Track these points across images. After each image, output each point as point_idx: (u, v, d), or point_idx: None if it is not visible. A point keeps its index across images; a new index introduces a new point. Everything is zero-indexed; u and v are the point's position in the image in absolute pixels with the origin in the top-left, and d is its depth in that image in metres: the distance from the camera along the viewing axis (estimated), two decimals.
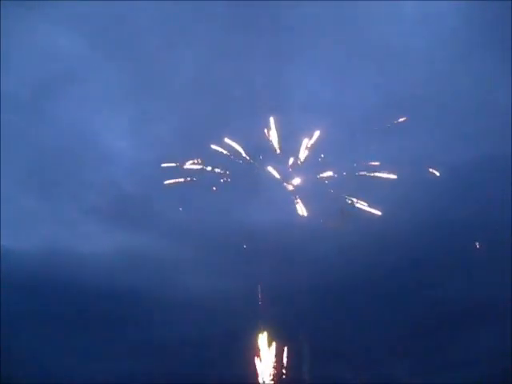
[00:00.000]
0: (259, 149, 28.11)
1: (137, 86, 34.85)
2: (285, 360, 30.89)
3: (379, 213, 28.61)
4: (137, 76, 34.80)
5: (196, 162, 27.77)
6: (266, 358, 30.50)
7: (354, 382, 36.44)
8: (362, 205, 28.63)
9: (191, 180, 28.07)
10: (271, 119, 27.97)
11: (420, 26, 33.55)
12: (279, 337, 31.68)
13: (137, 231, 37.81)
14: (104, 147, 36.54)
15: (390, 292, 36.92)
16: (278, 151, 28.42)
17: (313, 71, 34.91)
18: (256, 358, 30.29)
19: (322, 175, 28.78)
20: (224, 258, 32.30)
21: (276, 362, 30.77)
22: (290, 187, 28.98)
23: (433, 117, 34.30)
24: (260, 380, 30.06)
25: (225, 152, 28.05)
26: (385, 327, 37.13)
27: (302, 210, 28.77)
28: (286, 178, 28.88)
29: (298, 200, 29.00)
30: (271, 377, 30.16)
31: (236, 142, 27.79)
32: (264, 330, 31.06)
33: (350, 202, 28.49)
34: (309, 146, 28.33)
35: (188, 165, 28.12)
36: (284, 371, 30.63)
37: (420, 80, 33.71)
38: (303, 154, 28.44)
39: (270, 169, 28.65)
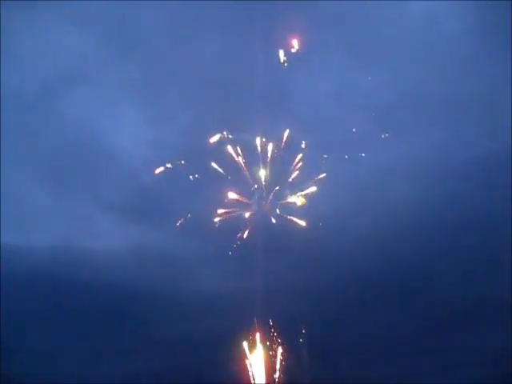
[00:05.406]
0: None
1: (147, 84, 35.21)
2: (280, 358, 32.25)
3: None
4: (147, 73, 35.18)
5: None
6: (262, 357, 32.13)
7: (354, 381, 36.51)
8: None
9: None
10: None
11: (426, 25, 34.15)
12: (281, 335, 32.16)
13: (150, 228, 37.97)
14: (114, 145, 36.96)
15: (390, 292, 37.11)
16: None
17: (318, 70, 35.17)
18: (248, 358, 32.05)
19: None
20: (232, 256, 32.23)
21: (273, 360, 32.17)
22: None
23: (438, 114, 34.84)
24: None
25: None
26: (386, 327, 37.19)
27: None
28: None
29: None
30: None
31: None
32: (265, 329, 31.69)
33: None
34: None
35: None
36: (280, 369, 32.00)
37: (425, 78, 34.23)
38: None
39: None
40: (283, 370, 32.23)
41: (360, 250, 35.06)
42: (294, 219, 31.54)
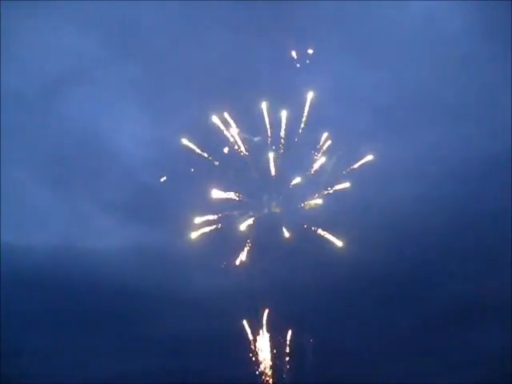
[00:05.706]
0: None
1: (147, 84, 35.46)
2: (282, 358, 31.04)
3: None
4: (147, 73, 35.41)
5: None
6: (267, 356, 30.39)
7: (354, 381, 36.50)
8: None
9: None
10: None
11: (426, 25, 34.31)
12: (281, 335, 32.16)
13: (151, 228, 38.09)
14: (115, 144, 37.12)
15: (390, 292, 36.98)
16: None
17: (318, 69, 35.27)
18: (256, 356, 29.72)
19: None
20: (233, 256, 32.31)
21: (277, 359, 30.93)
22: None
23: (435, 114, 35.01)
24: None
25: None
26: (386, 327, 37.13)
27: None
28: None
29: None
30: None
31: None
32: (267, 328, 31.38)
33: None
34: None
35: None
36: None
37: (425, 78, 34.38)
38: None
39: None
40: (285, 369, 31.68)
41: (360, 250, 35.10)
42: (326, 235, 24.46)
